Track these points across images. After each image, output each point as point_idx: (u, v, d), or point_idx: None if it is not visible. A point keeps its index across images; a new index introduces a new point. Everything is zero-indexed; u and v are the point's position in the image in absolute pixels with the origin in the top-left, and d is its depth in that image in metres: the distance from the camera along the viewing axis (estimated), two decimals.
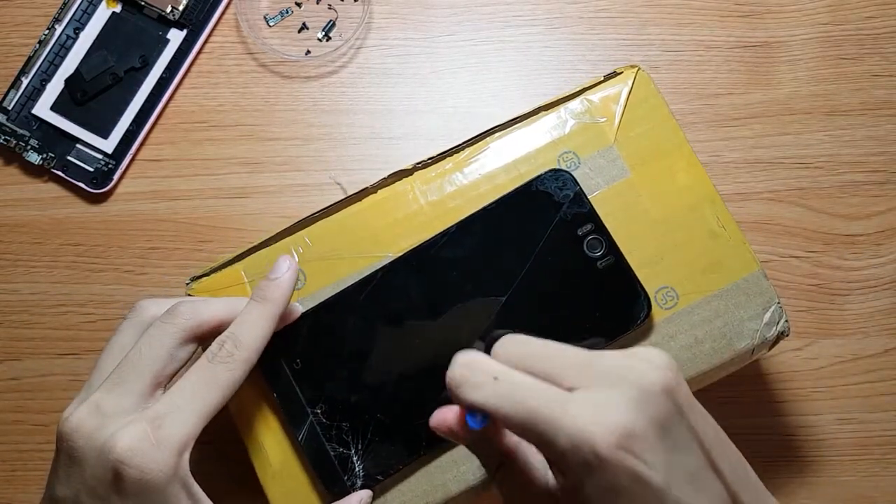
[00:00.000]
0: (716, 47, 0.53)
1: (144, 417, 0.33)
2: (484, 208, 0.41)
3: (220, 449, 0.45)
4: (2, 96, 0.53)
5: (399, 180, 0.42)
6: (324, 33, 0.54)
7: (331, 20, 0.54)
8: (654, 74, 0.53)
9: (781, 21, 0.54)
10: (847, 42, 0.53)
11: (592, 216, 0.41)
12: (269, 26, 0.54)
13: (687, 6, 0.54)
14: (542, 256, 0.40)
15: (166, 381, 0.35)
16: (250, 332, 0.36)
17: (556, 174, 0.41)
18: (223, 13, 0.54)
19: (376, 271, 0.40)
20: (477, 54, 0.54)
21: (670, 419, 0.28)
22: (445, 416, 0.32)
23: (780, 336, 0.41)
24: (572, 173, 0.41)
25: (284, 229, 0.42)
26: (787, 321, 0.41)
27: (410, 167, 0.42)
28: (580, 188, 0.41)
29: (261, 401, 0.40)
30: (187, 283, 0.42)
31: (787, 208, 0.52)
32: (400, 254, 0.41)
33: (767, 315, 0.40)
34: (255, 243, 0.42)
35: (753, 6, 0.54)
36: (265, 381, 0.40)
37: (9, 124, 0.53)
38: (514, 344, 0.31)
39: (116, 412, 0.33)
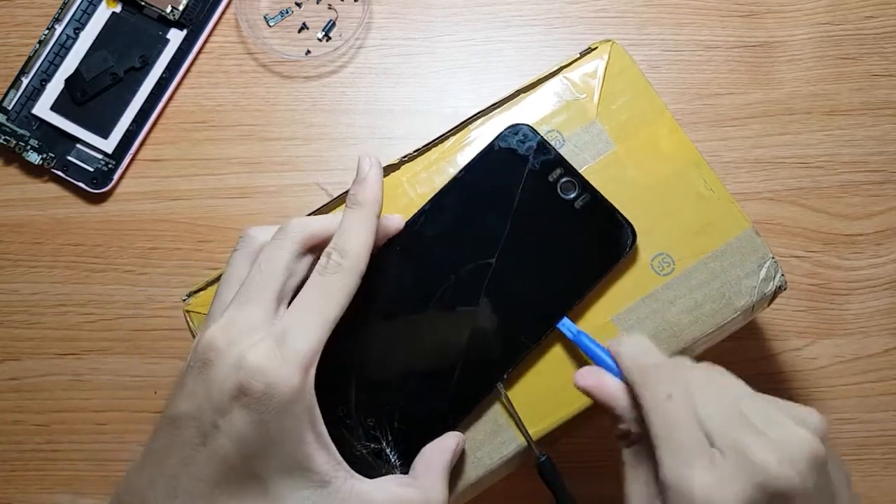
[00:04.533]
0: (716, 47, 0.53)
1: (271, 334, 0.34)
2: (454, 179, 0.41)
3: None
4: (2, 96, 0.53)
5: (387, 175, 0.43)
6: (324, 33, 0.54)
7: (331, 20, 0.54)
8: (655, 74, 0.53)
9: (781, 21, 0.54)
10: (847, 42, 0.54)
11: (560, 161, 0.41)
12: (269, 26, 0.54)
13: (687, 6, 0.54)
14: (521, 211, 0.40)
15: (290, 295, 0.36)
16: (352, 238, 0.36)
17: (514, 129, 0.41)
18: (223, 13, 0.54)
19: None
20: (477, 54, 0.54)
21: None
22: (593, 381, 0.36)
23: (778, 290, 0.41)
24: (531, 125, 0.41)
25: None
26: (783, 275, 0.41)
27: (397, 161, 0.43)
28: (542, 137, 0.41)
29: None
30: (184, 300, 0.42)
31: (787, 208, 0.52)
32: None
33: (763, 271, 0.41)
34: None
35: (753, 6, 0.54)
36: None
37: (9, 124, 0.53)
38: (693, 370, 0.35)
39: (246, 328, 0.34)
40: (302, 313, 0.34)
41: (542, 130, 0.42)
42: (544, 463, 0.39)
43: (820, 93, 0.53)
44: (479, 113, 0.43)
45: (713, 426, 0.32)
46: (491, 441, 0.39)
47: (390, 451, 0.38)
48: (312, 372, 0.34)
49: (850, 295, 0.51)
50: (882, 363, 0.51)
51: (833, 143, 0.52)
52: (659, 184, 0.42)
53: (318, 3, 0.55)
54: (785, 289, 0.41)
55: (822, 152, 0.52)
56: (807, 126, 0.53)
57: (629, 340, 0.36)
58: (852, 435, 0.50)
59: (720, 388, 0.34)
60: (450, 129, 0.43)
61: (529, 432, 0.39)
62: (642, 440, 0.34)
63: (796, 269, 0.51)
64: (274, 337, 0.33)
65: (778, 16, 0.54)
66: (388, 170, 0.43)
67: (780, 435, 0.32)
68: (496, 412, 0.40)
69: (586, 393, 0.37)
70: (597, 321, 0.40)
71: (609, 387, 0.36)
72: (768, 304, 0.42)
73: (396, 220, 0.40)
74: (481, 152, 0.42)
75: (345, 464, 0.35)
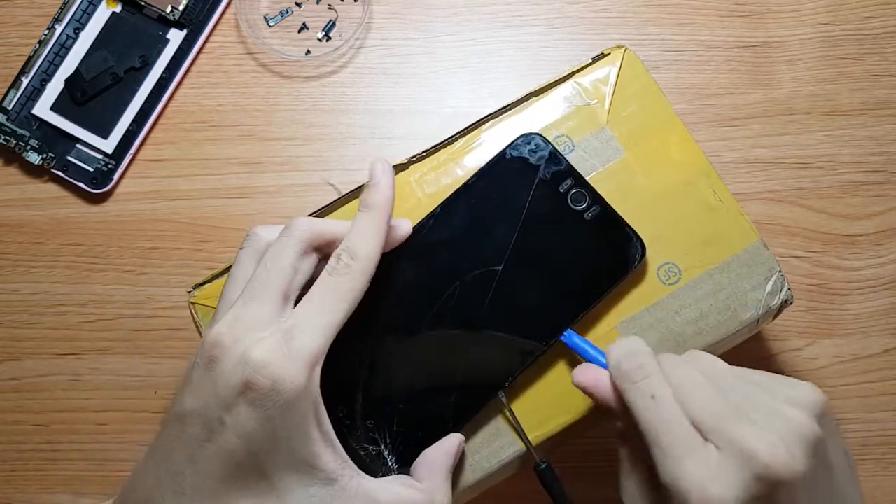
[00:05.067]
0: (716, 47, 0.53)
1: (279, 331, 0.34)
2: (464, 185, 0.41)
3: None
4: (2, 96, 0.53)
5: (395, 175, 0.42)
6: (324, 33, 0.54)
7: (331, 20, 0.54)
8: (655, 74, 0.53)
9: (781, 21, 0.54)
10: (847, 42, 0.54)
11: (571, 171, 0.41)
12: (269, 26, 0.54)
13: (687, 6, 0.54)
14: (530, 219, 0.40)
15: (295, 293, 0.36)
16: (362, 240, 0.36)
17: (527, 138, 0.41)
18: (223, 13, 0.54)
19: None
20: (477, 54, 0.54)
21: (776, 500, 0.31)
22: (590, 379, 0.36)
23: (784, 304, 0.41)
24: (543, 135, 0.41)
25: None
26: (789, 289, 0.41)
27: (405, 161, 0.43)
28: (553, 147, 0.41)
29: None
30: (189, 292, 0.42)
31: (787, 208, 0.52)
32: None
33: (770, 284, 0.41)
34: None
35: (753, 6, 0.54)
36: None
37: (9, 124, 0.53)
38: (680, 366, 0.34)
39: (253, 325, 0.34)
40: (310, 312, 0.34)
41: (551, 135, 0.42)
42: (545, 470, 0.39)
43: (820, 93, 0.53)
44: (489, 115, 0.43)
45: (703, 420, 0.32)
46: (490, 445, 0.39)
47: (388, 454, 0.38)
48: (318, 370, 0.34)
49: (850, 295, 0.51)
50: (882, 363, 0.51)
51: (833, 143, 0.52)
52: (667, 192, 0.42)
53: (318, 3, 0.55)
54: (791, 303, 0.41)
55: (822, 152, 0.52)
56: (807, 126, 0.53)
57: (618, 343, 0.36)
58: (852, 435, 0.50)
59: (707, 377, 0.34)
60: (459, 130, 0.43)
61: (529, 438, 0.39)
62: (635, 439, 0.34)
63: (796, 270, 0.51)
64: (282, 333, 0.34)
65: (778, 16, 0.54)
66: (397, 169, 0.43)
67: (771, 420, 0.32)
68: (496, 417, 0.40)
69: (582, 390, 0.37)
70: (601, 329, 0.40)
71: (605, 384, 0.36)
72: (773, 318, 0.42)
73: (405, 227, 0.40)
74: (492, 159, 0.41)
75: (351, 462, 0.35)
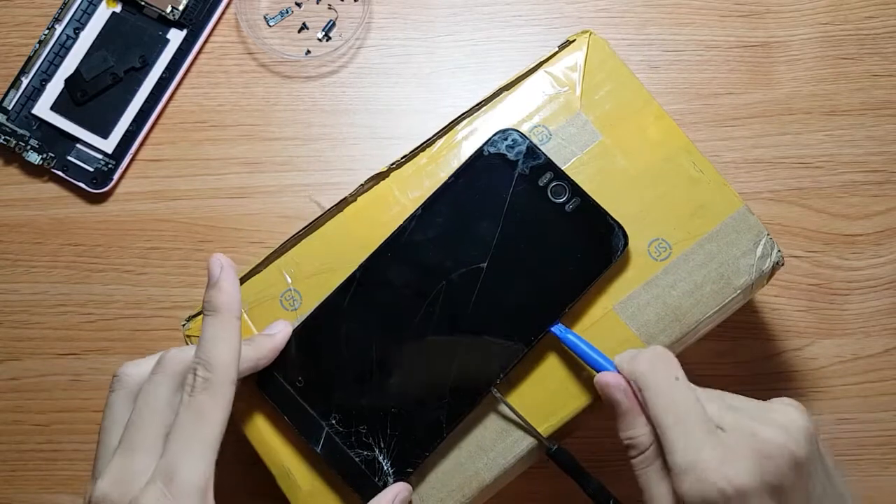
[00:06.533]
0: (716, 47, 0.53)
1: (160, 474, 0.33)
2: (444, 184, 0.41)
3: (243, 464, 0.45)
4: (2, 96, 0.53)
5: (377, 184, 0.43)
6: (324, 33, 0.54)
7: (331, 20, 0.54)
8: (654, 74, 0.53)
9: (781, 21, 0.54)
10: (847, 42, 0.54)
11: (549, 165, 0.41)
12: (269, 26, 0.55)
13: (687, 6, 0.54)
14: (512, 215, 0.41)
15: None
16: (214, 348, 0.35)
17: (504, 134, 0.42)
18: (223, 13, 0.54)
19: (354, 272, 0.40)
20: (477, 54, 0.54)
21: (787, 483, 0.33)
22: (610, 380, 0.37)
23: (776, 267, 0.41)
24: (520, 130, 0.42)
25: (270, 253, 0.42)
26: (779, 251, 0.41)
27: (385, 169, 0.43)
28: (531, 142, 0.41)
29: (276, 427, 0.40)
30: (183, 325, 0.42)
31: (787, 208, 0.52)
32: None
33: (759, 248, 0.41)
34: (243, 272, 0.42)
35: (753, 6, 0.54)
36: (274, 407, 0.40)
37: (9, 124, 0.53)
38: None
39: (136, 475, 0.33)
40: (183, 443, 0.33)
41: (528, 126, 0.42)
42: (557, 452, 0.39)
43: (820, 93, 0.53)
44: (464, 114, 0.43)
45: (712, 410, 0.35)
46: (502, 440, 0.39)
47: (383, 459, 0.38)
48: (210, 495, 0.33)
49: (850, 295, 0.51)
50: (882, 363, 0.51)
51: (833, 143, 0.52)
52: (649, 170, 0.42)
53: (318, 3, 0.55)
54: (782, 264, 0.41)
55: (822, 152, 0.52)
56: (807, 126, 0.53)
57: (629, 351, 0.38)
58: (852, 435, 0.50)
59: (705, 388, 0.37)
60: (436, 132, 0.43)
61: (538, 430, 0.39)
62: (653, 446, 0.35)
63: (796, 270, 0.51)
64: (162, 477, 0.33)
65: (778, 16, 0.54)
66: (378, 178, 0.43)
67: (767, 414, 0.35)
68: (501, 413, 0.40)
69: (601, 390, 0.37)
70: (598, 311, 0.41)
71: (622, 383, 0.37)
72: (767, 281, 0.42)
73: (280, 333, 0.39)
74: (470, 158, 0.42)
75: None
